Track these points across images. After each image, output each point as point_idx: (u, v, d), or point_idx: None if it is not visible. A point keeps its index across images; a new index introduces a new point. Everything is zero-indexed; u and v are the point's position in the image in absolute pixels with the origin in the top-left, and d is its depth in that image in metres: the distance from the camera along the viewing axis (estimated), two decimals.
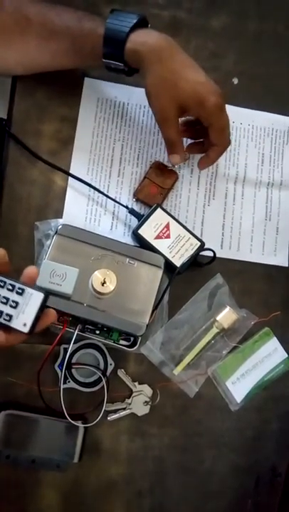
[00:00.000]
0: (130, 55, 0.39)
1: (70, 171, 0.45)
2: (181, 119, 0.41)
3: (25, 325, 0.32)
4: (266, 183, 0.49)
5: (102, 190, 0.45)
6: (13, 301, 0.32)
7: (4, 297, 0.32)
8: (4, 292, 0.32)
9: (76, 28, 0.40)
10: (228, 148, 0.49)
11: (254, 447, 0.45)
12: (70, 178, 0.45)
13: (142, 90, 0.47)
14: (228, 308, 0.44)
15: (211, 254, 0.44)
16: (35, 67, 0.43)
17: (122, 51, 0.38)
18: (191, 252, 0.43)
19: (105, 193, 0.45)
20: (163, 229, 0.43)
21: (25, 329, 0.32)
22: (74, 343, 0.39)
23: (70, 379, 0.40)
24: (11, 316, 0.32)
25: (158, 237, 0.43)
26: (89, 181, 0.45)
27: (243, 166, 0.49)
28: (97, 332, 0.40)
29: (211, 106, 0.38)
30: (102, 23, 0.38)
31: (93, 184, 0.45)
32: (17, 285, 0.33)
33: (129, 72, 0.41)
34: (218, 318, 0.44)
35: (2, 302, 0.32)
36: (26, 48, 0.40)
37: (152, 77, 0.39)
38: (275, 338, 0.46)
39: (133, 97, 0.47)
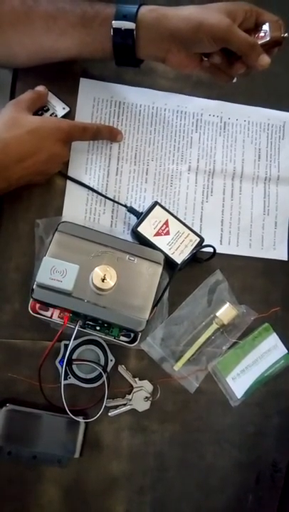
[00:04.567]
0: (146, 14, 0.39)
1: (69, 170, 0.45)
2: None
3: None
4: (263, 178, 0.50)
5: (100, 189, 0.46)
6: None
7: None
8: None
9: (87, 4, 0.40)
10: (225, 145, 0.50)
11: (255, 443, 0.45)
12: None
13: (138, 89, 0.48)
14: (227, 304, 0.44)
15: (210, 250, 0.44)
16: (39, 53, 0.42)
17: (136, 12, 0.39)
18: (190, 248, 0.44)
19: (104, 192, 0.46)
20: (162, 226, 0.44)
21: None
22: (74, 339, 0.39)
23: (70, 375, 0.41)
24: None
25: (157, 234, 0.44)
26: (87, 181, 0.45)
27: (240, 161, 0.49)
28: (98, 328, 0.40)
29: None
30: (114, 5, 0.40)
31: (91, 183, 0.45)
32: None
33: (137, 62, 0.42)
34: (217, 314, 0.44)
35: None
36: (32, 29, 0.40)
37: (187, 10, 0.39)
38: (274, 334, 0.46)
39: (129, 96, 0.48)
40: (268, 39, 0.39)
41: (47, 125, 0.40)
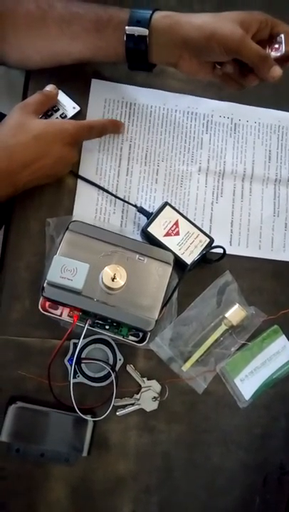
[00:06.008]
0: (160, 20, 0.39)
1: (79, 171, 0.45)
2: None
3: None
4: (273, 179, 0.50)
5: (110, 189, 0.46)
6: None
7: None
8: None
9: (101, 9, 0.40)
10: (235, 146, 0.49)
11: (262, 445, 0.45)
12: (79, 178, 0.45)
13: (149, 90, 0.49)
14: (236, 306, 0.44)
15: (220, 251, 0.44)
16: (53, 56, 0.43)
17: (149, 18, 0.39)
18: (200, 249, 0.44)
19: (114, 192, 0.46)
20: (172, 226, 0.44)
21: None
22: (84, 338, 0.40)
23: (79, 373, 0.41)
24: None
25: (167, 234, 0.44)
26: (98, 181, 0.46)
27: (250, 163, 0.49)
28: (107, 327, 0.41)
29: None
30: (128, 10, 0.40)
31: (102, 183, 0.46)
32: None
33: (150, 66, 0.42)
34: (226, 315, 0.44)
35: None
36: (46, 33, 0.41)
37: (200, 18, 0.39)
38: (283, 336, 0.46)
39: (140, 97, 0.48)
40: (282, 52, 0.39)
41: (52, 129, 0.40)
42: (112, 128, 0.46)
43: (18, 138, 0.38)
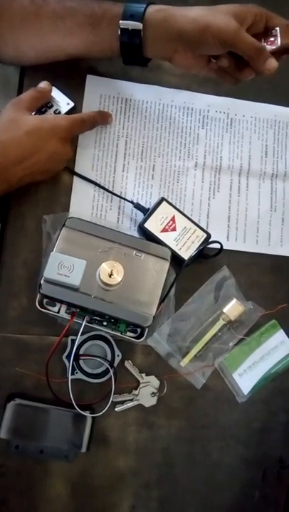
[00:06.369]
0: (153, 13, 0.39)
1: (75, 167, 0.45)
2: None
3: None
4: (270, 174, 0.50)
5: (107, 185, 0.46)
6: None
7: None
8: None
9: (95, 3, 0.40)
10: (232, 141, 0.49)
11: (261, 439, 0.45)
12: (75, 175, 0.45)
13: (145, 86, 0.48)
14: (234, 301, 0.44)
15: (217, 246, 0.44)
16: (47, 51, 0.43)
17: (143, 12, 0.39)
18: (197, 244, 0.44)
19: (110, 188, 0.46)
20: (169, 222, 0.44)
21: None
22: (81, 335, 0.40)
23: (77, 370, 0.41)
24: None
25: (164, 230, 0.44)
26: (94, 177, 0.46)
27: (246, 158, 0.49)
28: (105, 323, 0.41)
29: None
30: (122, 4, 0.40)
31: (98, 179, 0.46)
32: None
33: (144, 61, 0.42)
34: (224, 310, 0.44)
35: None
36: (40, 28, 0.41)
37: (194, 11, 0.39)
38: (281, 331, 0.46)
39: (135, 93, 0.48)
40: (278, 45, 0.39)
41: (45, 125, 0.40)
42: (100, 119, 0.46)
43: (10, 134, 0.38)
